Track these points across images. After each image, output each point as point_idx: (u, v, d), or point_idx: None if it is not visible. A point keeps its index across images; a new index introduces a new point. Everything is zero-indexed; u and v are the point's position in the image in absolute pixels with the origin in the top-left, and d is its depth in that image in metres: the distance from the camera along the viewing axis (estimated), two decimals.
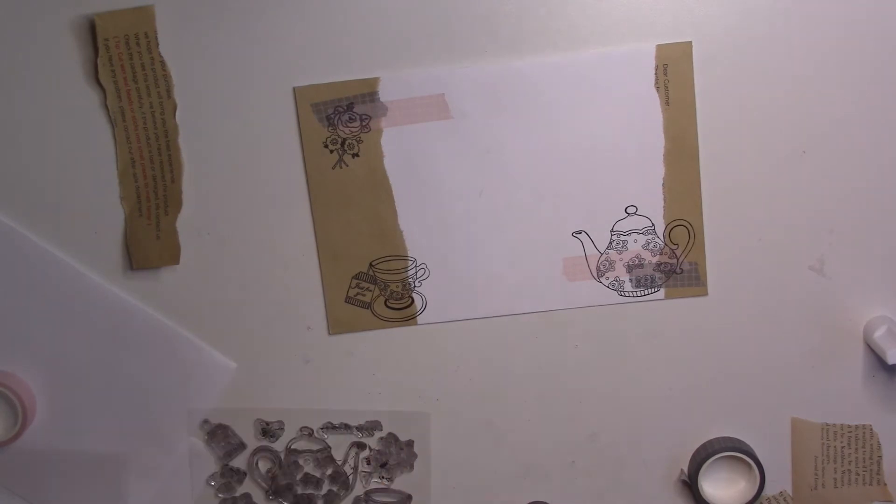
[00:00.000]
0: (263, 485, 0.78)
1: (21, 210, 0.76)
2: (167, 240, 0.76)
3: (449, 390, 0.79)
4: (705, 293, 0.76)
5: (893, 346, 0.72)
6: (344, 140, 0.75)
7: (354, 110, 0.74)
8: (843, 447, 0.78)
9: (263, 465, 0.78)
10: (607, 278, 0.76)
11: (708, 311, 0.77)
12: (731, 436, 0.78)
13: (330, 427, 0.78)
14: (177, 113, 0.74)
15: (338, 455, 0.78)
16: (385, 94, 0.74)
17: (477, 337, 0.78)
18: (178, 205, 0.75)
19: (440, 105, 0.74)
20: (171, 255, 0.76)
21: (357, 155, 0.75)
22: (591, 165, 0.74)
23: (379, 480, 0.78)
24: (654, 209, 0.75)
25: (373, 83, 0.74)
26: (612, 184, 0.75)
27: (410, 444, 0.78)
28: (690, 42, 0.72)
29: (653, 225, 0.75)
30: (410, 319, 0.78)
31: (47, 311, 0.76)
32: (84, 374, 0.77)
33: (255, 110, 0.74)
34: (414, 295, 0.77)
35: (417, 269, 0.77)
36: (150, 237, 0.76)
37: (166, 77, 0.73)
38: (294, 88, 0.74)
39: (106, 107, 0.74)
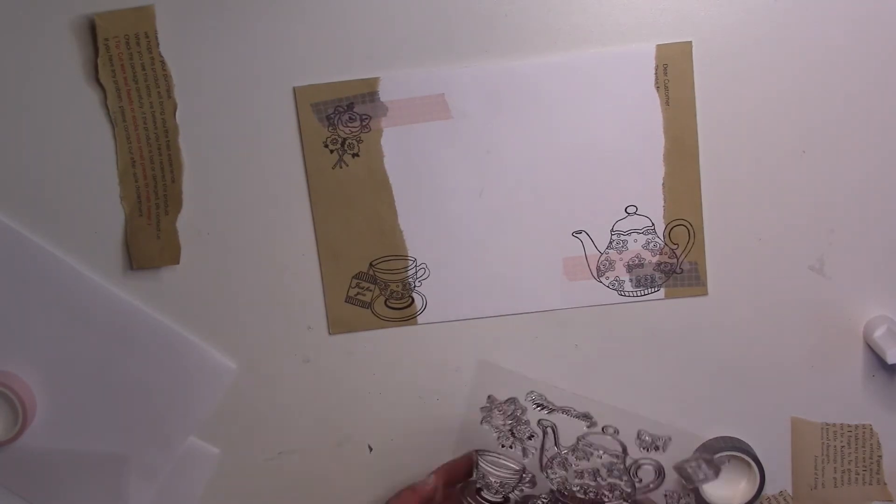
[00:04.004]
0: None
1: (21, 210, 0.76)
2: (167, 240, 0.76)
3: (449, 390, 0.79)
4: (705, 293, 0.76)
5: (893, 346, 0.72)
6: (344, 140, 0.75)
7: (354, 110, 0.74)
8: (842, 447, 0.78)
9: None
10: (607, 278, 0.76)
11: (708, 311, 0.77)
12: (731, 436, 0.78)
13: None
14: (177, 113, 0.74)
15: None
16: (385, 94, 0.74)
17: (477, 337, 0.78)
18: (178, 205, 0.75)
19: (440, 105, 0.74)
20: (171, 255, 0.76)
21: (357, 155, 0.75)
22: (591, 165, 0.74)
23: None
24: (654, 209, 0.75)
25: (373, 83, 0.74)
26: (612, 184, 0.75)
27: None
28: (690, 42, 0.72)
29: (653, 225, 0.75)
30: (410, 319, 0.78)
31: (47, 311, 0.76)
32: (84, 374, 0.77)
33: (255, 110, 0.74)
34: (414, 295, 0.77)
35: (417, 269, 0.77)
36: (150, 237, 0.76)
37: (166, 77, 0.73)
38: (294, 88, 0.74)
39: (106, 107, 0.74)
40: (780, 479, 0.79)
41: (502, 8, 0.72)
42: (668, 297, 0.77)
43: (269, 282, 0.77)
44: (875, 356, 0.76)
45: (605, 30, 0.73)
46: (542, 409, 0.69)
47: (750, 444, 0.78)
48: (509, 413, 0.69)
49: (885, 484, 0.78)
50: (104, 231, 0.76)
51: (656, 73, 0.73)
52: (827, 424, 0.78)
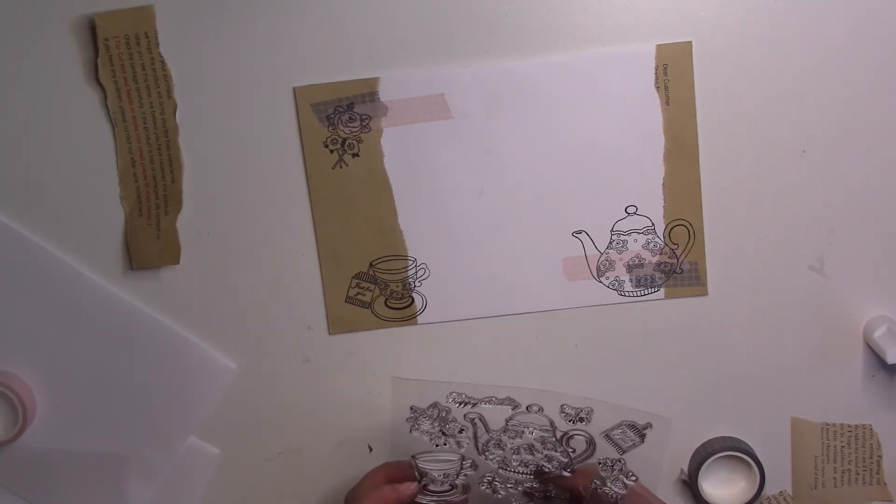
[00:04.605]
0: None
1: (21, 210, 0.76)
2: (167, 240, 0.76)
3: None
4: (705, 293, 0.76)
5: (893, 346, 0.72)
6: (344, 140, 0.75)
7: (354, 110, 0.74)
8: (842, 447, 0.78)
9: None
10: (607, 278, 0.76)
11: (708, 311, 0.77)
12: (731, 436, 0.78)
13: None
14: (177, 113, 0.74)
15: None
16: (385, 94, 0.74)
17: (477, 337, 0.78)
18: (178, 205, 0.75)
19: (440, 105, 0.74)
20: (171, 255, 0.76)
21: (357, 155, 0.75)
22: (591, 165, 0.74)
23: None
24: (654, 209, 0.75)
25: (373, 83, 0.74)
26: (612, 184, 0.75)
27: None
28: (690, 42, 0.72)
29: (653, 225, 0.75)
30: (410, 319, 0.78)
31: (47, 311, 0.76)
32: (84, 374, 0.77)
33: (255, 110, 0.74)
34: (414, 295, 0.77)
35: (417, 269, 0.77)
36: (150, 237, 0.76)
37: (166, 77, 0.73)
38: (294, 88, 0.74)
39: (106, 107, 0.74)
40: (780, 479, 0.79)
41: (502, 8, 0.72)
42: (668, 297, 0.77)
43: (269, 282, 0.77)
44: (875, 356, 0.76)
45: (605, 30, 0.73)
46: (466, 405, 0.71)
47: (750, 444, 0.78)
48: (435, 416, 0.71)
49: (885, 484, 0.78)
50: (104, 231, 0.76)
51: (656, 73, 0.73)
52: (827, 424, 0.78)
